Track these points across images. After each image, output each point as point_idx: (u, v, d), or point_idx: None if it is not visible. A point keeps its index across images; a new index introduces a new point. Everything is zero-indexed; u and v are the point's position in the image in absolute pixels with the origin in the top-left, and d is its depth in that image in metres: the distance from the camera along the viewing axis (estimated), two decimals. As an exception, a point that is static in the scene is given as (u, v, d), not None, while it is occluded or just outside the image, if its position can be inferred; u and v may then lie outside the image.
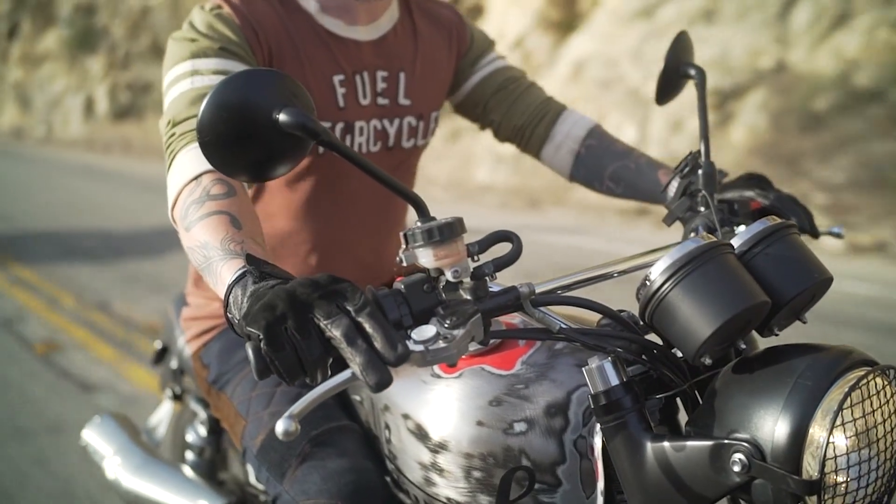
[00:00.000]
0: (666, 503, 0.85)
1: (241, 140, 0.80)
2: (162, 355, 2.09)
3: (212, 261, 0.97)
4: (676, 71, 1.26)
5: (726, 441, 0.80)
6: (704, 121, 1.18)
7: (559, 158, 1.59)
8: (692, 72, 1.24)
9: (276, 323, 0.74)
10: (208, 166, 1.08)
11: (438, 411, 1.08)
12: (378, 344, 0.73)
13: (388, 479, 1.22)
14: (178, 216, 1.08)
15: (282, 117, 0.78)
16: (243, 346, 1.46)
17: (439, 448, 1.07)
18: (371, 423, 1.24)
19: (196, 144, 1.10)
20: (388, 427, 1.16)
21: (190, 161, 1.11)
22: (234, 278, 0.88)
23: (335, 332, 0.74)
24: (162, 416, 2.14)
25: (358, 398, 1.28)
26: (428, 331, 0.78)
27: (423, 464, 1.09)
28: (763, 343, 0.93)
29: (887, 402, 0.80)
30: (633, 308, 0.99)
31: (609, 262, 1.00)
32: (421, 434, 1.09)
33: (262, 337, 0.74)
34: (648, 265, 1.00)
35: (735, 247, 0.89)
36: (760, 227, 0.90)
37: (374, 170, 0.82)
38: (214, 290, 0.97)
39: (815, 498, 0.76)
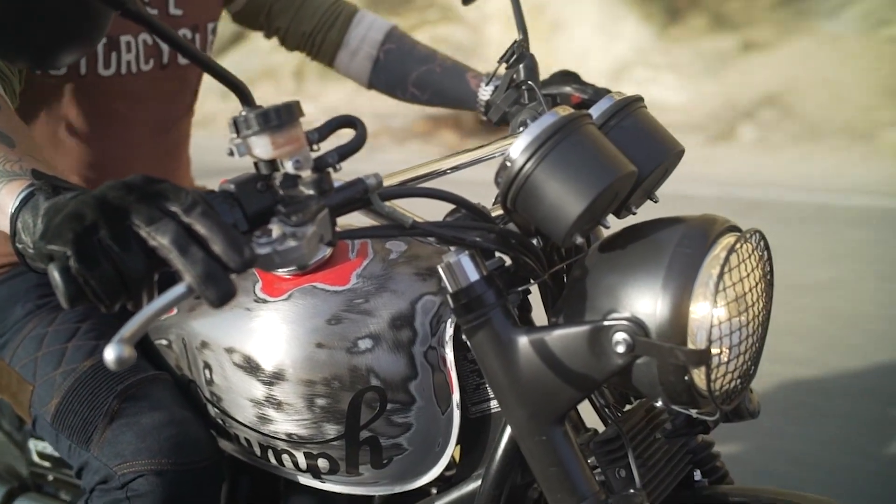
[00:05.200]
0: (542, 398, 0.79)
1: (21, 13, 0.65)
2: None
3: None
4: None
5: (605, 323, 0.74)
6: (519, 11, 1.11)
7: (356, 66, 1.47)
8: None
9: (87, 234, 0.60)
10: None
11: (269, 338, 0.95)
12: (218, 248, 0.60)
13: (211, 430, 1.07)
14: None
15: None
16: (18, 302, 1.24)
17: (274, 379, 0.94)
18: (185, 366, 1.08)
19: None
20: (207, 367, 1.01)
21: None
22: (19, 201, 0.73)
23: (161, 240, 0.60)
24: None
25: (164, 342, 1.11)
26: (272, 231, 0.66)
27: (256, 400, 0.96)
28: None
29: (756, 266, 0.78)
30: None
31: (458, 152, 0.91)
32: (250, 367, 0.96)
33: (70, 253, 0.59)
34: (503, 151, 0.92)
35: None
36: (612, 102, 0.85)
37: (191, 50, 0.67)
38: None
39: (703, 369, 0.72)
